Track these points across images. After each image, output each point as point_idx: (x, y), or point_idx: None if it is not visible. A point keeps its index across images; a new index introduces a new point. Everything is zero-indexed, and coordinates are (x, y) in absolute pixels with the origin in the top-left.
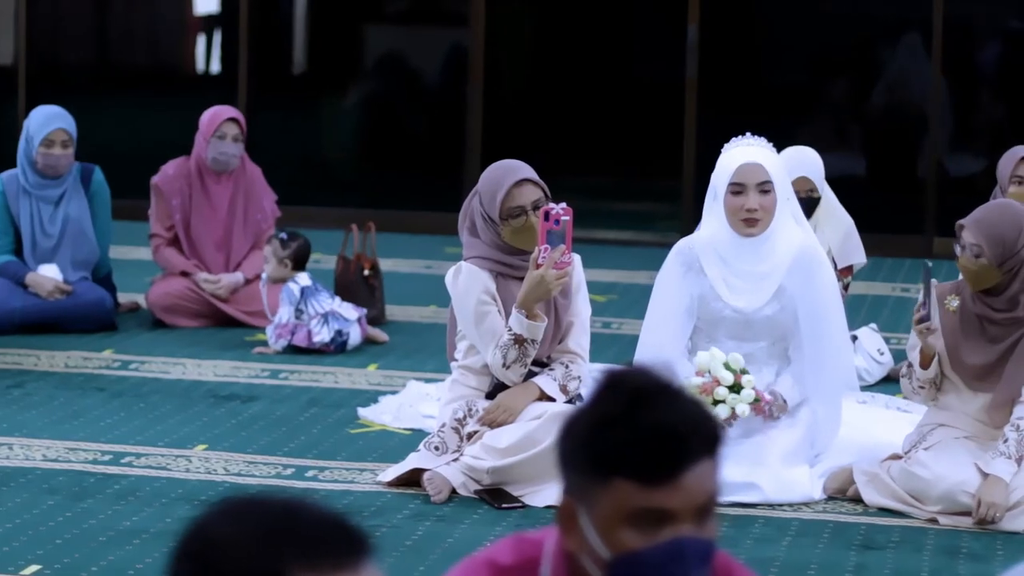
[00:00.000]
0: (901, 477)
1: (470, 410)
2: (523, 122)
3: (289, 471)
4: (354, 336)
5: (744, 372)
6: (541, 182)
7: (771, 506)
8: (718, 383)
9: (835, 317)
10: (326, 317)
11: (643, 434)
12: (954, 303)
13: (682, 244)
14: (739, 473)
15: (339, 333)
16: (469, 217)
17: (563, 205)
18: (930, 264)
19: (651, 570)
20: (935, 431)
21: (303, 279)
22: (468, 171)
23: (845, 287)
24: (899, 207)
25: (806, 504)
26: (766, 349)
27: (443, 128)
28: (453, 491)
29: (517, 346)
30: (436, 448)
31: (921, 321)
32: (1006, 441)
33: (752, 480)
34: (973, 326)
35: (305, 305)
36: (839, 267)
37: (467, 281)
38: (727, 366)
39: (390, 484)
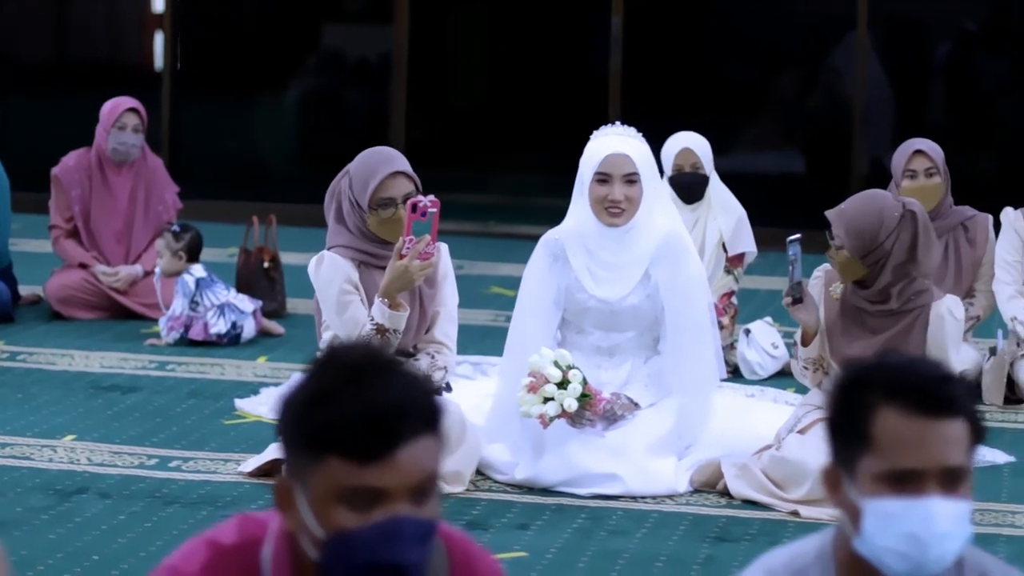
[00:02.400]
0: (771, 464)
1: None
2: (447, 118)
3: (153, 461)
4: (248, 328)
5: (571, 368)
6: (414, 175)
7: (634, 498)
8: (547, 381)
9: (700, 306)
10: (222, 308)
11: (355, 411)
12: (838, 290)
13: (549, 235)
14: (601, 464)
15: (234, 325)
16: (336, 199)
17: (431, 197)
18: (797, 236)
19: (364, 550)
20: (810, 413)
21: (198, 271)
22: None
23: (736, 279)
24: (827, 203)
25: (670, 496)
26: (634, 339)
27: (369, 125)
28: None
29: (379, 336)
30: None
31: (788, 296)
32: None
33: (614, 471)
34: (852, 316)
35: (201, 297)
36: (730, 255)
37: (329, 270)
38: (556, 364)
39: (251, 475)
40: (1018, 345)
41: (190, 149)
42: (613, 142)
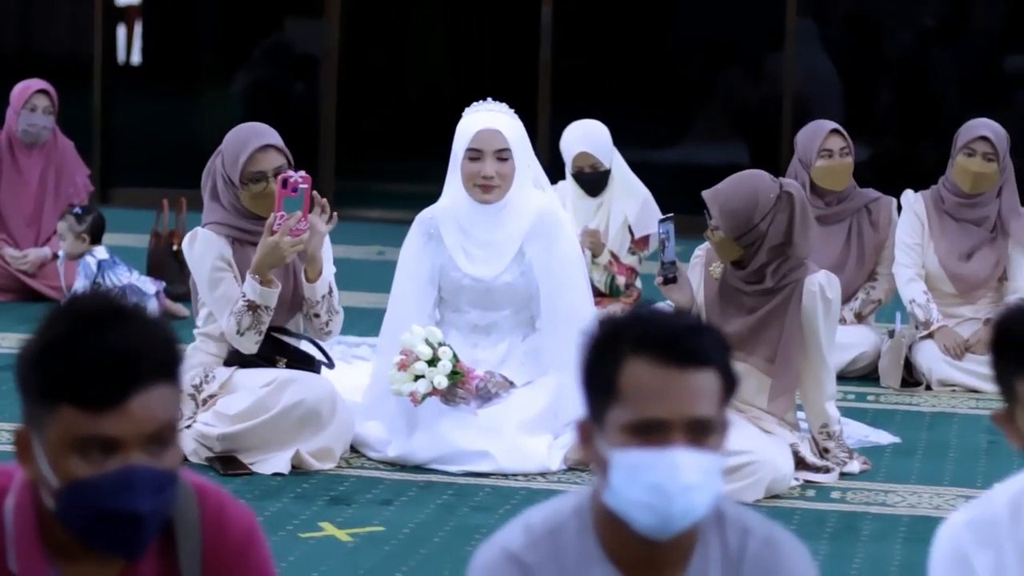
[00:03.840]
0: None
1: (207, 376)
2: (379, 108)
3: None
4: (151, 310)
5: (442, 345)
6: (285, 149)
7: (505, 476)
8: (417, 358)
9: (575, 283)
10: (124, 290)
11: (86, 358)
12: (718, 270)
13: (424, 214)
14: (473, 442)
15: None
16: (211, 177)
17: (302, 173)
18: (670, 216)
19: (98, 499)
20: None
21: (100, 252)
22: (323, 157)
23: (640, 261)
24: None
25: (542, 474)
26: (510, 317)
27: (306, 116)
28: (185, 458)
29: (251, 312)
30: None
31: (661, 275)
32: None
33: (485, 449)
34: (729, 297)
35: (103, 278)
36: (636, 237)
37: (202, 247)
38: (427, 341)
39: None
40: (916, 328)
41: (127, 138)
42: (484, 118)
